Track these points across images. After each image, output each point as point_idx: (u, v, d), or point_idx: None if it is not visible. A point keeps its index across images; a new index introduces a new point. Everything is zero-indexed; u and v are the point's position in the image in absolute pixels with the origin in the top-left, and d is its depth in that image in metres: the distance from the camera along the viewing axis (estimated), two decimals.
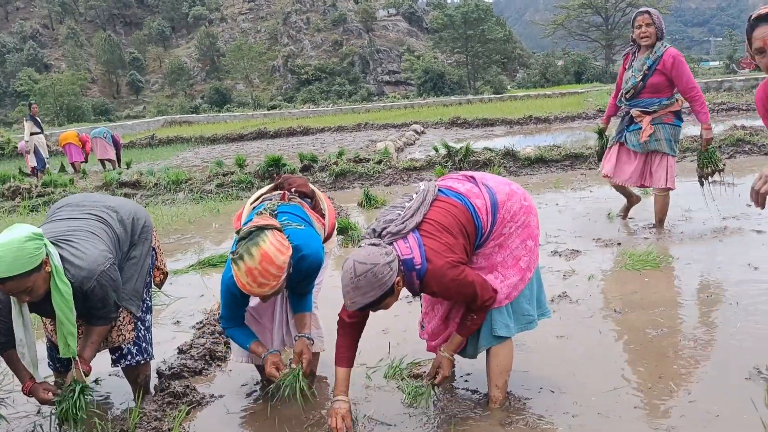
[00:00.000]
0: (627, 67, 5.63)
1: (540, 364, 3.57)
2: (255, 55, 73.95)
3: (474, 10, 65.58)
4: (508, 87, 53.04)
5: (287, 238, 2.94)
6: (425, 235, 2.84)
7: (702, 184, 5.87)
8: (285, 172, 10.26)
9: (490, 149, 10.10)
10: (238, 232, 2.94)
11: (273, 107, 51.27)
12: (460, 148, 9.84)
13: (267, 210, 3.19)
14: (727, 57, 65.55)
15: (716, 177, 5.88)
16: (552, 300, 4.48)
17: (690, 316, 4.06)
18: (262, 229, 2.84)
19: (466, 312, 3.02)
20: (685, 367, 3.39)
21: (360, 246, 2.86)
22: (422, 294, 3.09)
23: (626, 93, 5.60)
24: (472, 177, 3.15)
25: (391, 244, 2.82)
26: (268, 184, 3.62)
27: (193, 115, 43.27)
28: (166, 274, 3.71)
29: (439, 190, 3.03)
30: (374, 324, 3.57)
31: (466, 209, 2.95)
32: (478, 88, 57.18)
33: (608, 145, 5.98)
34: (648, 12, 5.39)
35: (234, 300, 3.11)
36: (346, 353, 3.03)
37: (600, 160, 6.20)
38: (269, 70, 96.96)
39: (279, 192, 3.45)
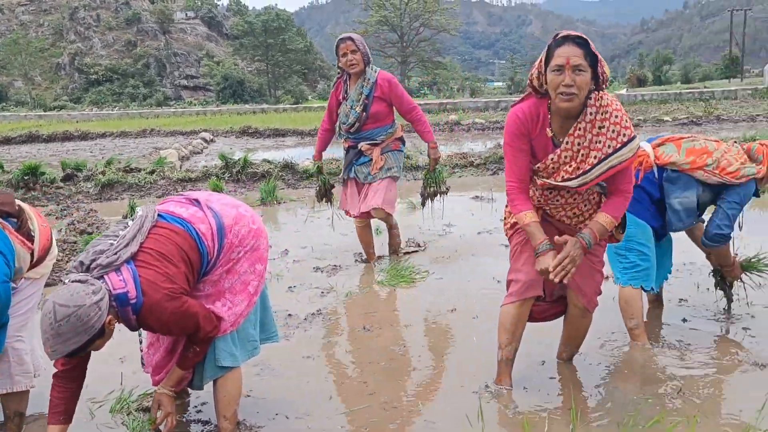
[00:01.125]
0: (342, 97, 5.22)
1: (281, 389, 3.44)
2: (35, 51, 67.60)
3: (275, 19, 65.58)
4: (309, 97, 53.50)
5: None
6: (141, 265, 2.57)
7: (423, 204, 5.85)
8: (44, 182, 9.36)
9: (269, 161, 9.95)
10: None
11: (58, 108, 47.33)
12: (238, 160, 9.59)
13: None
14: (509, 78, 71.58)
15: (438, 198, 5.82)
16: (306, 318, 4.41)
17: (435, 331, 4.16)
18: None
19: (188, 343, 2.81)
20: (423, 383, 3.43)
21: (63, 283, 2.51)
22: None
23: (349, 127, 5.18)
24: (196, 200, 2.94)
25: (101, 278, 2.52)
26: (23, 194, 3.13)
27: None
28: None
29: (159, 215, 2.79)
30: (110, 352, 3.31)
31: (189, 235, 2.74)
32: (279, 97, 57.14)
33: (341, 183, 5.60)
34: (351, 38, 5.01)
35: None
36: (61, 407, 2.63)
37: (322, 199, 5.90)
38: (53, 68, 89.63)
39: None
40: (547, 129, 2.96)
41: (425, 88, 58.55)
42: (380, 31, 64.45)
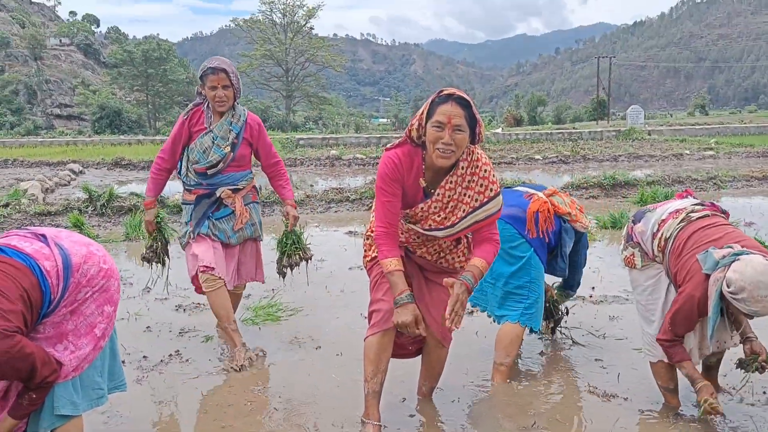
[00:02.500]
0: (200, 128, 4.21)
1: None
2: None
3: (156, 49, 64.07)
4: None
5: None
6: None
7: (283, 275, 4.64)
8: None
9: (137, 194, 9.52)
10: None
11: None
12: (103, 193, 9.11)
13: None
14: (393, 115, 73.22)
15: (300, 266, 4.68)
16: (162, 360, 4.17)
17: (298, 368, 4.04)
18: None
19: (24, 389, 2.56)
20: (285, 422, 3.30)
21: None
22: None
23: (207, 167, 4.14)
24: (43, 235, 2.72)
25: None
26: None
27: None
28: None
29: (0, 249, 2.55)
30: None
31: (32, 272, 2.52)
32: (159, 128, 55.42)
33: (186, 240, 4.31)
34: (225, 71, 4.09)
35: None
36: None
37: (156, 260, 4.59)
38: None
39: None
40: (421, 179, 3.02)
41: (310, 122, 58.71)
42: (265, 65, 64.30)
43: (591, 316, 4.94)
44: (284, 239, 4.57)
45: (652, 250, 3.28)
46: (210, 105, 4.22)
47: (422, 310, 3.16)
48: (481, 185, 2.99)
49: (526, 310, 3.75)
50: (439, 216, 3.04)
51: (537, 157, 18.57)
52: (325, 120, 58.33)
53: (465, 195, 2.99)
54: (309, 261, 4.66)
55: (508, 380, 3.76)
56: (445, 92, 2.92)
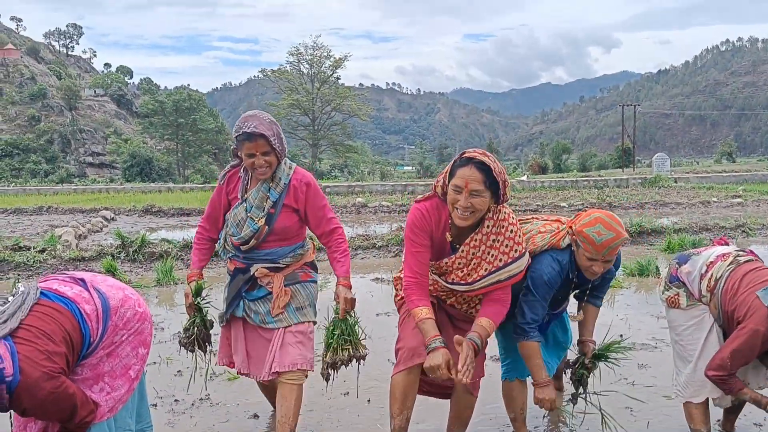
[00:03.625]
0: (236, 197, 3.51)
1: None
2: None
3: (186, 99, 65.58)
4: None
5: None
6: (20, 342, 2.43)
7: (327, 378, 3.55)
8: None
9: (168, 240, 9.73)
10: None
11: None
12: (135, 239, 9.33)
13: None
14: (419, 163, 73.76)
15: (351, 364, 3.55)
16: (193, 403, 4.25)
17: (328, 415, 4.08)
18: None
19: (62, 429, 2.64)
20: None
21: None
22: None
23: (242, 242, 3.45)
24: (82, 279, 2.85)
25: None
26: None
27: None
28: None
29: (42, 293, 2.67)
30: None
31: (73, 315, 2.63)
32: (188, 176, 56.44)
33: (220, 323, 3.70)
34: (264, 136, 3.27)
35: None
36: None
37: (196, 347, 3.74)
38: None
39: None
40: (447, 233, 3.07)
41: (336, 170, 59.36)
42: (292, 114, 65.39)
43: (620, 363, 4.92)
44: (332, 329, 3.50)
45: (699, 291, 3.36)
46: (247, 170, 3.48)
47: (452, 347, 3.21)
48: (506, 245, 3.04)
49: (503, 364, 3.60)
50: (461, 272, 3.09)
51: (562, 204, 18.58)
52: (351, 168, 59.06)
53: (488, 254, 3.04)
54: (362, 361, 3.51)
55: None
56: (466, 155, 2.97)
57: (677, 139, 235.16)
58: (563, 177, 33.33)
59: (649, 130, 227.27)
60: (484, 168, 2.90)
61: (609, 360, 3.59)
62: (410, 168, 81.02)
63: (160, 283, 8.13)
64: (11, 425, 2.76)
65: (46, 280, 2.85)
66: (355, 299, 3.52)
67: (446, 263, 3.10)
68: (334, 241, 3.57)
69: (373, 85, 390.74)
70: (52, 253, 9.31)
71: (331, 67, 66.93)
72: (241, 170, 3.51)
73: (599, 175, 36.02)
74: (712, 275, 3.32)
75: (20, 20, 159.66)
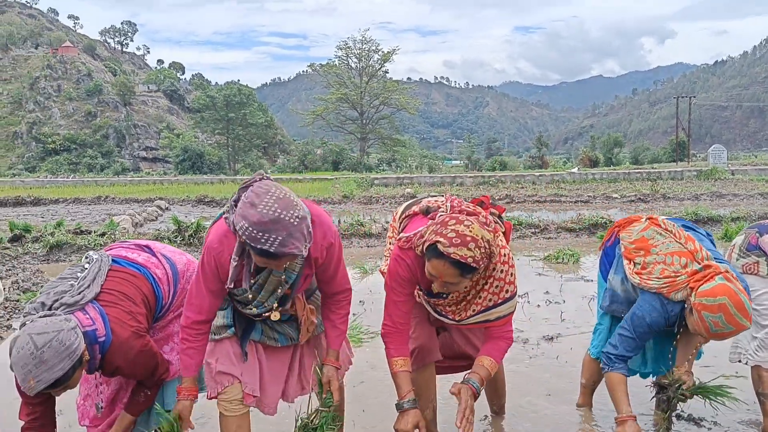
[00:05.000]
0: (242, 284, 2.59)
1: None
2: None
3: (236, 94, 66.41)
4: (269, 171, 53.79)
5: None
6: (106, 304, 2.55)
7: None
8: None
9: None
10: None
11: (11, 175, 46.75)
12: (191, 224, 9.56)
13: None
14: (467, 157, 73.31)
15: None
16: None
17: (373, 386, 4.14)
18: None
19: (138, 388, 2.75)
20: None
21: (25, 323, 2.41)
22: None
23: (254, 315, 2.74)
24: (147, 246, 2.97)
25: None
26: None
27: None
28: None
29: (113, 260, 2.79)
30: None
31: (146, 280, 2.76)
32: (238, 170, 57.28)
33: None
34: (292, 255, 2.35)
35: None
36: None
37: None
38: (10, 137, 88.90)
39: None
40: (433, 285, 2.66)
41: (384, 164, 59.46)
42: (340, 108, 65.72)
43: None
44: (311, 419, 2.76)
45: None
46: None
47: (461, 341, 3.20)
48: (497, 287, 2.75)
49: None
50: (450, 308, 2.88)
51: (615, 195, 18.29)
52: (399, 162, 59.02)
53: (478, 296, 2.78)
54: None
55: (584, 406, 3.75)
56: (440, 247, 2.48)
57: (734, 132, 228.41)
58: (615, 170, 32.74)
59: (705, 123, 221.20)
60: (459, 264, 2.49)
61: (710, 398, 3.11)
62: (458, 162, 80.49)
63: None
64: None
65: (112, 248, 2.97)
66: (343, 388, 2.95)
67: (434, 301, 2.90)
68: (338, 300, 2.85)
69: (421, 79, 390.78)
70: (112, 237, 9.61)
71: (379, 61, 66.96)
72: (244, 256, 2.53)
73: (652, 167, 35.28)
74: None
75: (77, 18, 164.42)
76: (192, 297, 2.61)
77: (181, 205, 18.73)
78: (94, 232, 9.82)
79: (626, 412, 2.91)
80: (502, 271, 2.73)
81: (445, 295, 2.80)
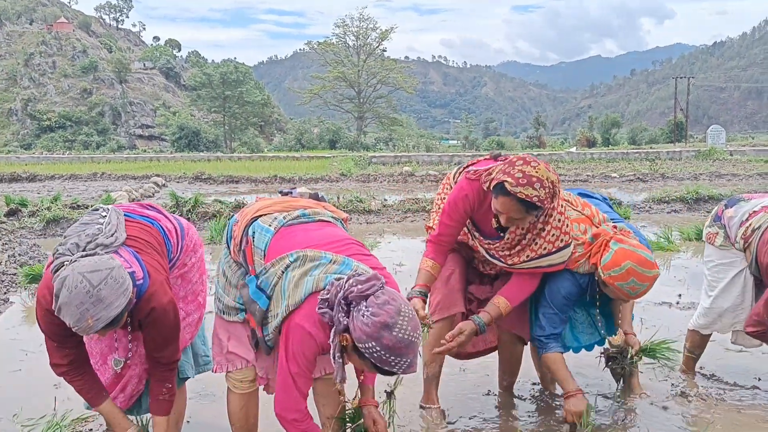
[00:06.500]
0: None
1: (222, 416, 3.32)
2: None
3: (233, 72, 65.97)
4: (265, 150, 53.59)
5: None
6: (138, 250, 2.48)
7: None
8: None
9: (220, 201, 9.88)
10: None
11: (6, 152, 46.45)
12: (189, 199, 9.50)
13: None
14: (464, 137, 73.10)
15: None
16: None
17: None
18: None
19: (156, 384, 2.63)
20: None
21: (64, 265, 2.25)
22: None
23: None
24: (150, 205, 2.94)
25: None
26: None
27: None
28: None
29: (124, 213, 2.73)
30: (44, 377, 3.23)
31: (159, 232, 2.71)
32: (235, 148, 57.03)
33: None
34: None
35: None
36: (96, 386, 2.57)
37: None
38: (5, 113, 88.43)
39: None
40: (493, 220, 2.89)
41: (381, 143, 59.25)
42: (338, 87, 65.40)
43: (678, 321, 4.87)
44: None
45: (735, 236, 3.36)
46: None
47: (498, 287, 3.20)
48: (553, 235, 2.87)
49: None
50: (503, 253, 2.96)
51: (613, 174, 18.25)
52: (396, 141, 58.77)
53: (534, 242, 2.87)
54: None
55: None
56: (507, 186, 2.65)
57: (732, 114, 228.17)
58: (613, 149, 32.66)
59: (703, 104, 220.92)
60: (525, 202, 2.66)
61: (658, 357, 3.44)
62: (455, 142, 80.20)
63: (213, 241, 8.28)
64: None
65: (119, 207, 2.90)
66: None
67: (488, 244, 2.99)
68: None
69: (419, 58, 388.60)
70: None
71: (377, 39, 66.54)
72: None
73: (650, 148, 35.22)
74: (750, 224, 3.28)
75: None
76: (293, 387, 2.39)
77: (178, 182, 18.62)
78: (91, 206, 9.73)
79: (573, 387, 2.99)
80: (559, 221, 2.87)
81: (501, 237, 2.92)
